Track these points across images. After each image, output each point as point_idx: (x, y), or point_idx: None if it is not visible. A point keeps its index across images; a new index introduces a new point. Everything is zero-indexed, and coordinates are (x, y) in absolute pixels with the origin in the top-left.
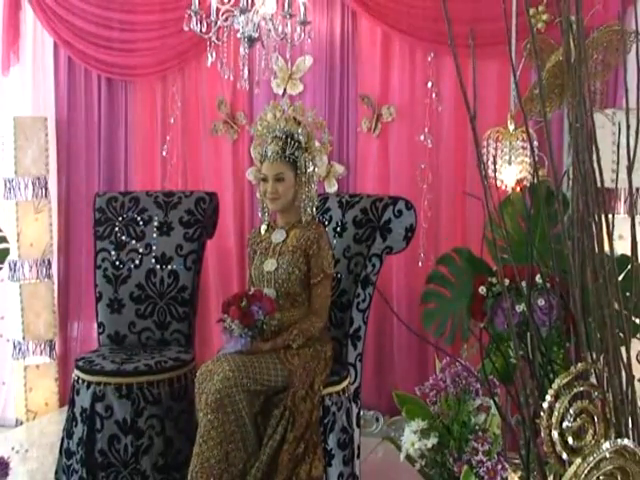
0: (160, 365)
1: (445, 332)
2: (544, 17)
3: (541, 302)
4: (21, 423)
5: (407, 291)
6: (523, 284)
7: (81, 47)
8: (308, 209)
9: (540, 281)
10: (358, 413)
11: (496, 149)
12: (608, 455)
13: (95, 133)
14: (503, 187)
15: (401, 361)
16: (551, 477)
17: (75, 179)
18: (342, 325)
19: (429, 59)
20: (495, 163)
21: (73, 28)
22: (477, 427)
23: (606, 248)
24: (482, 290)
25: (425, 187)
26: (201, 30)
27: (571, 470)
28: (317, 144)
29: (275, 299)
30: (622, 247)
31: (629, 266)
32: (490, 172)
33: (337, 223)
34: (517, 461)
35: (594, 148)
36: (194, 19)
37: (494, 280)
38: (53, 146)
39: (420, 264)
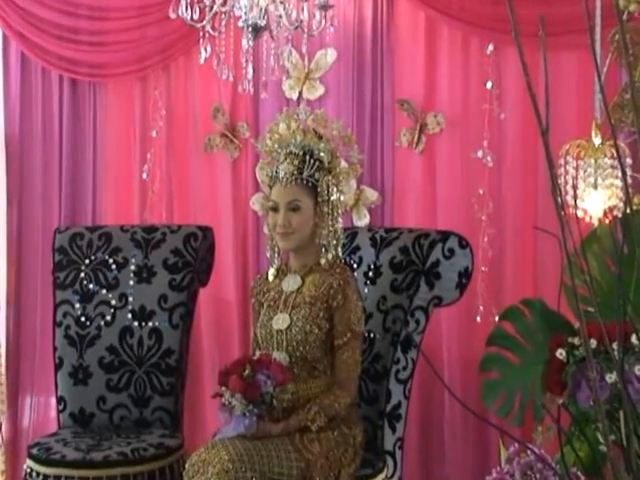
0: (138, 453)
1: (512, 410)
2: None
3: (638, 370)
4: None
5: (461, 356)
6: (614, 346)
7: (38, 40)
8: (331, 248)
9: (637, 342)
10: None
11: (577, 169)
12: None
13: (55, 150)
14: (586, 219)
15: (454, 448)
16: None
17: (29, 210)
18: (376, 401)
19: (487, 53)
20: (575, 188)
21: (27, 16)
22: None
23: None
24: (560, 354)
25: (484, 219)
26: (192, 17)
27: None
28: (343, 164)
29: (288, 366)
30: None
31: None
32: (569, 199)
33: (369, 266)
34: None
35: None
36: (183, 3)
37: (576, 341)
38: (1, 167)
39: (478, 320)
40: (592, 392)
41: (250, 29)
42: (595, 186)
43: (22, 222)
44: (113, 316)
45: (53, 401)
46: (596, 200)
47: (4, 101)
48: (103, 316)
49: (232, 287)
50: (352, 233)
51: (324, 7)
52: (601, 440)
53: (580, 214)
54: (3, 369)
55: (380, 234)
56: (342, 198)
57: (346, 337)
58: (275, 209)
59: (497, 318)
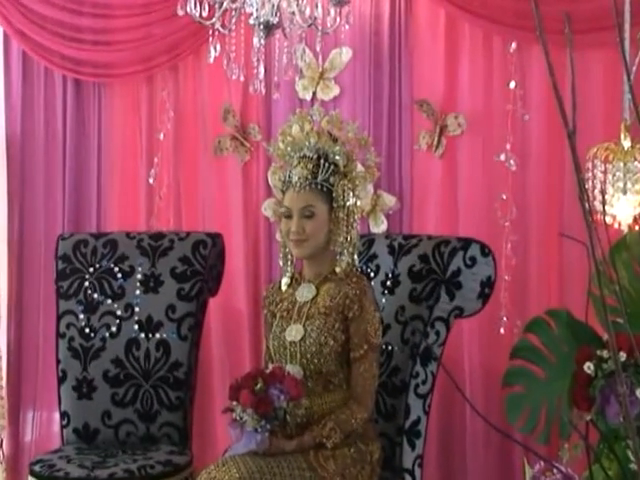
0: (145, 471)
1: (537, 426)
2: None
3: None
4: None
5: (484, 369)
6: None
7: (40, 39)
8: (347, 256)
9: None
10: None
11: (605, 173)
12: None
13: (58, 154)
14: (615, 225)
15: (476, 467)
16: None
17: (31, 216)
18: (394, 416)
19: (510, 51)
20: (604, 192)
21: (29, 13)
22: None
23: None
24: (588, 368)
25: (507, 225)
26: (201, 15)
27: None
28: (359, 168)
29: (302, 380)
30: None
31: None
32: (597, 205)
33: (387, 275)
34: None
35: None
36: (191, 0)
37: (604, 354)
38: (2, 171)
39: (502, 331)
40: (622, 407)
41: (262, 27)
42: (624, 191)
43: (24, 229)
44: (119, 327)
45: (56, 416)
46: (625, 206)
47: (5, 102)
48: (108, 327)
49: (243, 297)
50: (369, 240)
51: (339, 3)
52: (631, 458)
53: (609, 220)
54: (4, 382)
55: (398, 241)
56: (358, 203)
57: (363, 349)
58: (288, 215)
59: (522, 330)
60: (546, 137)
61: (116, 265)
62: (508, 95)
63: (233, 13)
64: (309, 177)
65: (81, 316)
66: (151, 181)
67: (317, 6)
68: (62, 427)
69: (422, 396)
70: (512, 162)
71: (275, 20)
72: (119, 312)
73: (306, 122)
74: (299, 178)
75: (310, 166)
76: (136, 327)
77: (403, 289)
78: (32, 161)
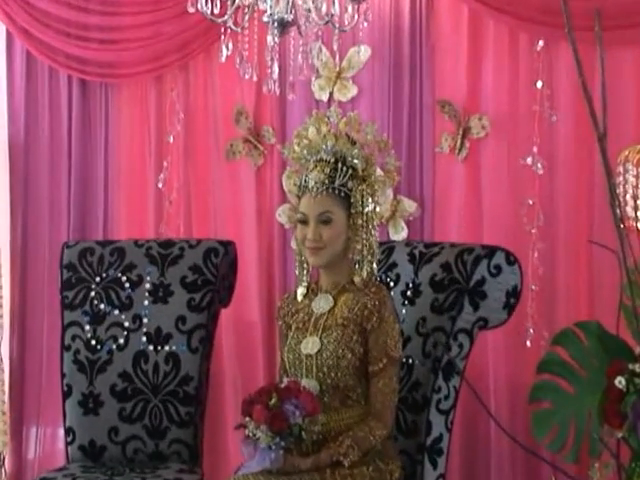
0: None
1: (566, 444)
2: None
3: None
4: None
5: (509, 383)
6: None
7: (45, 37)
8: (365, 264)
9: None
10: None
11: (637, 177)
12: None
13: (63, 158)
14: None
15: None
16: None
17: (35, 222)
18: (415, 433)
19: (537, 49)
20: (636, 198)
21: (33, 11)
22: None
23: None
24: (619, 383)
25: (534, 232)
26: (212, 12)
27: None
28: (379, 172)
29: (318, 395)
30: None
31: None
32: (628, 211)
33: (407, 284)
34: None
35: None
36: None
37: (637, 368)
38: (4, 176)
39: (528, 344)
40: None
41: (276, 24)
42: None
43: (27, 236)
44: (126, 339)
45: (61, 432)
46: None
47: (8, 104)
48: (115, 339)
49: (256, 307)
50: (388, 248)
51: (357, 0)
52: None
53: None
54: (6, 397)
55: (419, 249)
56: (377, 209)
57: (382, 363)
58: (304, 222)
59: (550, 342)
60: (575, 139)
61: (124, 274)
62: (535, 95)
63: (246, 10)
64: (326, 182)
65: (87, 327)
66: (160, 186)
67: (334, 2)
68: (67, 444)
69: (444, 412)
70: (539, 165)
71: (290, 17)
72: (127, 323)
73: (323, 124)
74: (315, 183)
75: (327, 170)
76: (144, 339)
77: (424, 299)
78: (36, 165)
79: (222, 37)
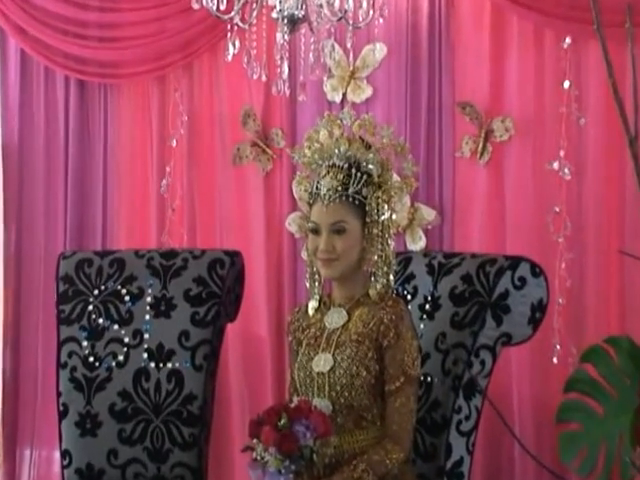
0: None
1: (595, 468)
2: None
3: None
4: None
5: (535, 403)
6: None
7: (41, 36)
8: (381, 276)
9: None
10: None
11: None
12: None
13: (60, 163)
14: None
15: None
16: None
17: (30, 232)
18: (434, 456)
19: (564, 46)
20: None
21: (28, 7)
22: None
23: None
24: None
25: (561, 242)
26: (218, 8)
27: None
28: (395, 177)
29: (331, 415)
30: None
31: None
32: None
33: (426, 298)
34: None
35: None
36: None
37: None
38: None
39: (555, 361)
40: None
41: (286, 21)
42: None
43: (21, 246)
44: (126, 356)
45: (56, 455)
46: None
47: (1, 106)
48: (115, 356)
49: (265, 322)
50: (405, 259)
51: None
52: None
53: None
54: None
55: (438, 260)
56: (394, 218)
57: (399, 382)
58: (316, 231)
59: (578, 359)
60: (604, 143)
61: (123, 287)
62: (562, 96)
63: (254, 6)
64: (339, 188)
65: (84, 343)
66: (162, 192)
67: None
68: (63, 467)
69: (465, 433)
70: (566, 171)
71: (301, 13)
72: (127, 339)
73: (335, 127)
74: (328, 190)
75: (340, 176)
76: (145, 356)
77: (444, 313)
78: (31, 171)
79: (229, 34)
